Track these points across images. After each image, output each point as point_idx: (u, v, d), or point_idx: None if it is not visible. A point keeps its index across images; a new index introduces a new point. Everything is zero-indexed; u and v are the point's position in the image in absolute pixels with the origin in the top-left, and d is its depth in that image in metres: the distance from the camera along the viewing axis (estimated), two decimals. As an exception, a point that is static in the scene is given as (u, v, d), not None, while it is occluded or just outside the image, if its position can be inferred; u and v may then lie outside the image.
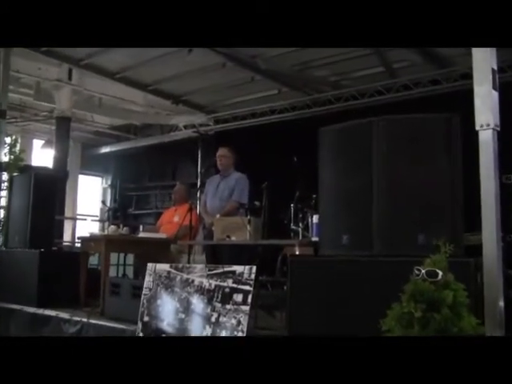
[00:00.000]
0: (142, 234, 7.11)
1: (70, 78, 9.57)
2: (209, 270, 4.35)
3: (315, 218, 4.95)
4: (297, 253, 5.06)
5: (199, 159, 11.91)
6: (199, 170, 11.48)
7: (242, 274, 4.08)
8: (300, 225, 5.66)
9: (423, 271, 2.87)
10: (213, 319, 4.13)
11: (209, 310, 4.20)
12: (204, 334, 4.14)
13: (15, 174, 7.63)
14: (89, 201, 14.05)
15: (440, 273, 2.84)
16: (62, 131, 10.07)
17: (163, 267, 4.78)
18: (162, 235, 6.86)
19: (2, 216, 7.69)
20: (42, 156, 11.78)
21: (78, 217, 12.95)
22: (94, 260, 8.10)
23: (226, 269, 4.22)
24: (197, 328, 4.23)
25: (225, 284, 4.16)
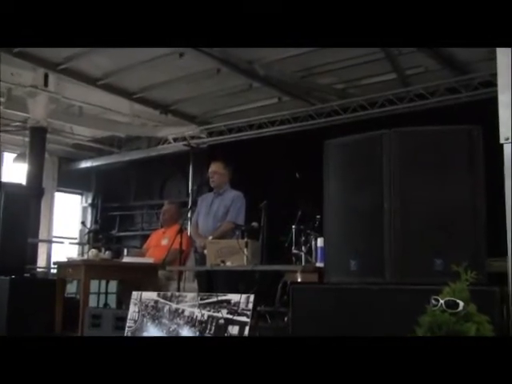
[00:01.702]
0: (126, 259, 7.09)
1: (46, 84, 9.56)
2: (201, 299, 4.34)
3: (320, 241, 4.95)
4: (299, 280, 5.05)
5: (190, 175, 11.90)
6: (190, 188, 11.48)
7: (238, 303, 4.06)
8: (303, 248, 5.66)
9: (442, 301, 2.85)
10: (205, 354, 4.11)
11: (201, 344, 4.17)
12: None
13: (-17, 191, 7.61)
14: (66, 221, 14.00)
15: (461, 303, 2.82)
16: (37, 143, 10.03)
17: (150, 296, 4.76)
18: (148, 260, 6.85)
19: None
20: (14, 171, 11.74)
21: (54, 239, 12.88)
22: (71, 288, 8.09)
23: (220, 298, 4.21)
24: (187, 364, 4.20)
25: (219, 315, 4.14)
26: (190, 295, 4.52)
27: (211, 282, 6.07)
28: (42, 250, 11.68)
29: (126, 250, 10.96)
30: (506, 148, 3.50)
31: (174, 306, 4.50)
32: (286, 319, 5.52)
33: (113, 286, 7.86)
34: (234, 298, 4.13)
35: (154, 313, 4.62)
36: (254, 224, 5.84)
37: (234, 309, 4.06)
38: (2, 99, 9.98)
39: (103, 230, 11.94)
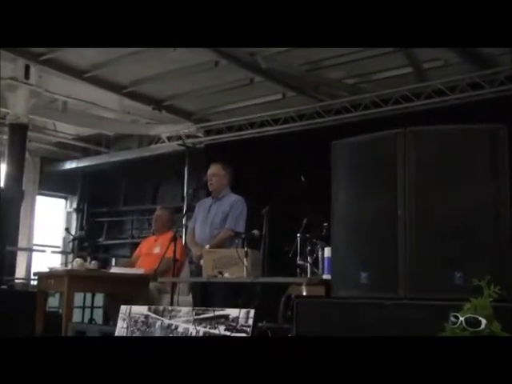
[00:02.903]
0: (114, 270, 7.08)
1: (26, 76, 9.53)
2: (196, 314, 4.34)
3: (327, 251, 4.94)
4: (304, 293, 5.05)
5: (186, 178, 11.89)
6: (185, 192, 11.48)
7: (236, 319, 4.06)
8: (308, 259, 5.65)
9: (462, 318, 2.85)
10: (200, 375, 4.11)
11: (195, 363, 4.17)
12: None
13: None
14: (49, 228, 14.01)
15: (483, 321, 2.82)
16: (17, 142, 10.01)
17: (140, 310, 4.76)
18: (138, 270, 6.84)
19: None
20: (-9, 172, 11.76)
21: (35, 248, 12.90)
22: (53, 301, 8.08)
23: (217, 312, 4.21)
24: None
25: (216, 331, 4.14)
26: (184, 310, 4.52)
27: (208, 295, 6.06)
28: (21, 259, 11.66)
29: (114, 260, 11.00)
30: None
31: (167, 321, 4.50)
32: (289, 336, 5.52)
33: (99, 299, 7.84)
34: (232, 313, 4.13)
35: (144, 329, 4.62)
36: (255, 232, 5.83)
37: (232, 325, 4.06)
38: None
39: (89, 238, 11.94)
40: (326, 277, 4.77)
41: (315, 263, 5.56)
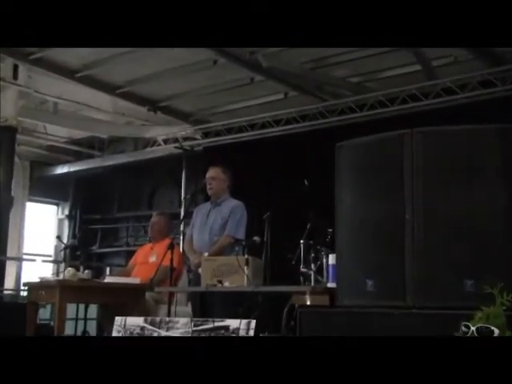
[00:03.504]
0: (108, 279, 7.08)
1: (15, 76, 9.51)
2: (195, 326, 4.34)
3: (331, 259, 4.95)
4: (308, 303, 5.05)
5: (183, 182, 11.89)
6: (183, 197, 11.47)
7: (237, 330, 4.06)
8: (312, 267, 5.65)
9: (473, 328, 2.85)
10: (199, 389, 4.11)
11: (194, 377, 4.17)
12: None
13: None
14: (39, 236, 14.00)
15: (496, 330, 2.82)
16: (5, 145, 9.98)
17: (135, 322, 4.75)
18: (134, 280, 6.83)
19: None
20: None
21: (25, 257, 12.89)
22: (45, 313, 8.07)
23: (216, 323, 4.20)
24: (178, 401, 4.21)
25: (215, 343, 4.14)
26: (182, 321, 4.52)
27: (207, 305, 6.07)
28: (10, 269, 11.65)
29: (108, 269, 10.99)
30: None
31: (164, 333, 4.50)
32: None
33: (93, 310, 7.84)
34: (232, 323, 4.13)
35: (139, 341, 4.62)
36: (257, 238, 5.84)
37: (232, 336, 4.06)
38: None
39: (82, 246, 11.95)
40: (331, 285, 4.78)
41: (319, 271, 5.56)
